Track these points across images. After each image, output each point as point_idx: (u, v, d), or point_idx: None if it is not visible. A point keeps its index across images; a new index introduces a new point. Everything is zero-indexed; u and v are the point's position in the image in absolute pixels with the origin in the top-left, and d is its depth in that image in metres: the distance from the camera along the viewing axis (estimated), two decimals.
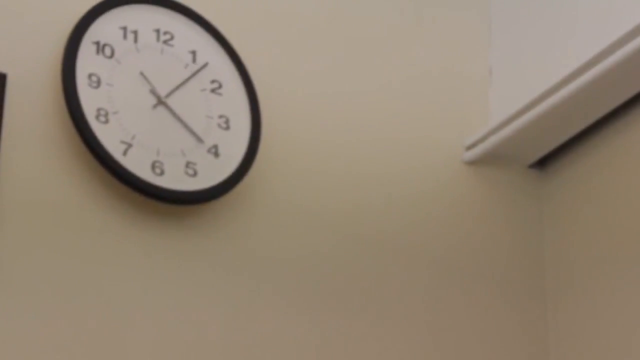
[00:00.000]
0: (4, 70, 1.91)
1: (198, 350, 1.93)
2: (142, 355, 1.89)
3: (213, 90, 2.05)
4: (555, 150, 2.30)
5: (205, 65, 2.05)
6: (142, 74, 2.00)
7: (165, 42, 2.04)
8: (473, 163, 2.30)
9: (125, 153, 1.93)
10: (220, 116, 2.04)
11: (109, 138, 1.92)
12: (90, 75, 1.95)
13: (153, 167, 1.95)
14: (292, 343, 2.01)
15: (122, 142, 1.94)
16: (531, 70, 2.26)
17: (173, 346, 1.92)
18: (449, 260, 2.21)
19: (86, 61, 1.95)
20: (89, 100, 1.93)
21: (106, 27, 1.99)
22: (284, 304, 2.03)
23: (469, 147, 2.29)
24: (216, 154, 2.01)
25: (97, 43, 1.98)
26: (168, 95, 2.01)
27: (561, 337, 2.21)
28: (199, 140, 2.01)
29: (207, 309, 1.97)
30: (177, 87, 2.02)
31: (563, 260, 2.25)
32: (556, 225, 2.29)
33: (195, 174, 1.98)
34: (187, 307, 1.95)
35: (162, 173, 1.95)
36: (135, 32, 2.02)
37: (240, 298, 2.00)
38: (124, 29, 2.01)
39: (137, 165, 1.93)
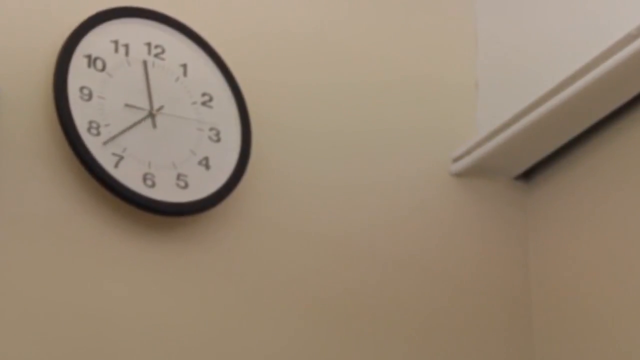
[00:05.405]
0: None
1: (187, 358, 1.95)
2: None
3: (204, 103, 2.07)
4: (540, 162, 2.31)
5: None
6: (133, 87, 2.01)
7: (156, 55, 2.05)
8: (460, 175, 2.31)
9: (116, 165, 1.94)
10: (211, 128, 2.06)
11: (100, 150, 1.94)
12: (81, 89, 1.96)
13: (144, 179, 1.96)
14: (282, 354, 2.03)
15: (114, 154, 1.95)
16: (517, 82, 2.27)
17: (161, 355, 1.93)
18: (435, 271, 2.22)
19: (78, 74, 1.97)
20: (81, 113, 1.94)
21: (97, 41, 2.01)
22: (274, 314, 2.04)
23: (456, 159, 2.31)
24: (207, 166, 2.03)
25: (89, 56, 1.99)
26: (159, 107, 2.02)
27: (547, 346, 2.22)
28: (190, 152, 2.02)
29: (197, 319, 1.97)
30: (168, 100, 2.04)
31: (548, 271, 2.26)
32: (541, 236, 2.30)
33: (186, 185, 1.99)
34: (177, 317, 1.96)
35: (153, 185, 1.97)
36: (126, 46, 2.03)
37: (230, 309, 2.00)
38: (116, 42, 2.02)
39: (128, 177, 1.94)
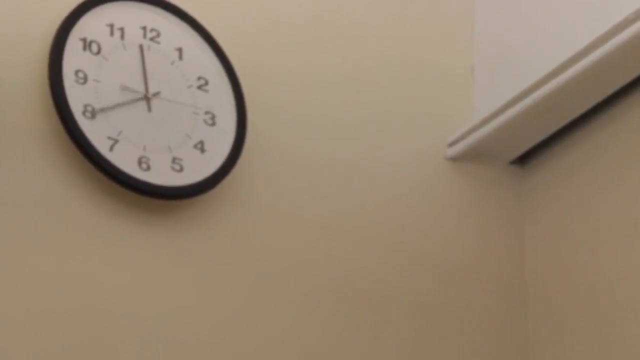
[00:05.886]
0: None
1: (185, 343, 1.95)
2: (130, 351, 1.90)
3: (199, 87, 2.07)
4: (535, 146, 2.32)
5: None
6: (128, 70, 2.01)
7: (151, 39, 2.05)
8: (455, 159, 2.31)
9: (111, 149, 1.94)
10: (207, 112, 2.06)
11: (95, 134, 1.93)
12: (77, 72, 1.96)
13: (139, 162, 1.96)
14: (278, 337, 2.03)
15: (109, 137, 1.95)
16: (513, 67, 2.28)
17: (160, 340, 1.93)
18: (429, 255, 2.22)
19: (73, 58, 1.96)
20: (76, 97, 1.94)
21: (93, 24, 2.00)
22: (270, 298, 2.04)
23: (452, 144, 2.31)
24: (202, 150, 2.03)
25: (84, 40, 1.99)
26: (154, 91, 2.02)
27: (541, 332, 2.23)
28: (186, 136, 2.02)
29: (193, 302, 1.98)
30: (163, 84, 2.03)
31: (543, 255, 2.27)
32: (536, 220, 2.31)
33: (181, 169, 1.99)
34: (173, 300, 1.96)
35: (148, 168, 1.97)
36: (122, 29, 2.03)
37: (226, 292, 2.01)
38: (111, 26, 2.02)
39: (123, 160, 1.94)
